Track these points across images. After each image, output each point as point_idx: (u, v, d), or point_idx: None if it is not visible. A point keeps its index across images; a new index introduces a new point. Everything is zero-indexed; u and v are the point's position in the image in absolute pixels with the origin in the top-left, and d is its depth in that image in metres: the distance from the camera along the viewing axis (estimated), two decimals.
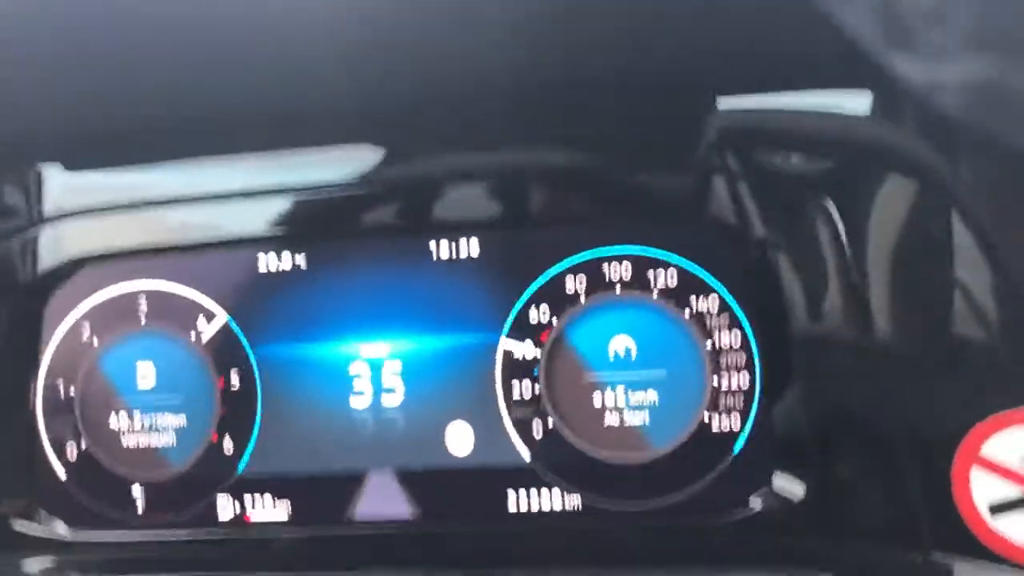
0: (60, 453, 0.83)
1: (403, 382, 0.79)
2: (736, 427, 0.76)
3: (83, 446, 0.83)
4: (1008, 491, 0.68)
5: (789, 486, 0.74)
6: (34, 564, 0.83)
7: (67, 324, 0.83)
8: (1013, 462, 0.68)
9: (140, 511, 0.82)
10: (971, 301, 0.68)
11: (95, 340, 0.82)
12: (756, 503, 0.75)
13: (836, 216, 0.72)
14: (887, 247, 0.71)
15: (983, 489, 0.69)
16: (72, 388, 0.83)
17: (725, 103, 0.73)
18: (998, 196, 0.67)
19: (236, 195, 0.79)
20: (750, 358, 0.76)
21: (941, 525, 0.70)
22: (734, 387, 0.76)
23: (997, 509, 0.69)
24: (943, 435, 0.70)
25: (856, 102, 0.70)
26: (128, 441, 0.82)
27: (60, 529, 0.83)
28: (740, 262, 0.75)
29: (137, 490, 0.82)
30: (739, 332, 0.76)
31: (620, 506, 0.77)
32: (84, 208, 0.81)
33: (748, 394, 0.76)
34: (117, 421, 0.82)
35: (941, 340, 0.70)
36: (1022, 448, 0.68)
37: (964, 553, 0.70)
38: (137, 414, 0.82)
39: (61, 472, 0.83)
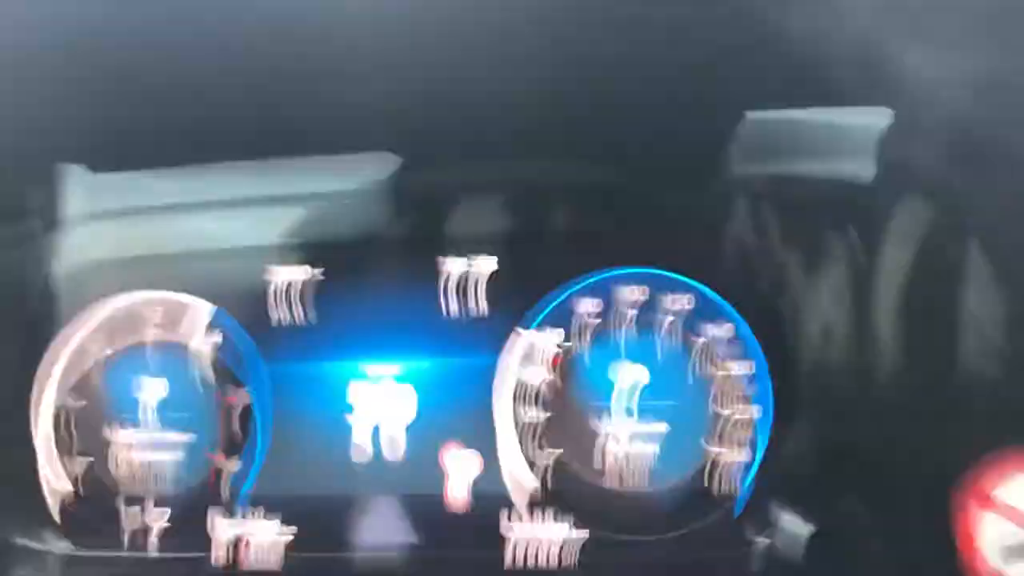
0: (64, 467, 0.83)
1: (409, 407, 0.78)
2: (743, 460, 0.75)
3: (88, 460, 0.82)
4: (1019, 537, 0.67)
5: (794, 524, 0.73)
6: None
7: (76, 333, 0.83)
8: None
9: (140, 529, 0.81)
10: (984, 335, 0.68)
11: (103, 351, 0.82)
12: (762, 541, 0.74)
13: (855, 241, 0.72)
14: (901, 273, 0.71)
15: (991, 533, 0.68)
16: (79, 401, 0.83)
17: (746, 121, 0.73)
18: (1015, 220, 0.66)
19: (249, 203, 0.79)
20: (759, 390, 0.75)
21: (944, 567, 0.69)
22: (743, 419, 0.75)
23: (1008, 555, 0.67)
24: (949, 474, 0.69)
25: (876, 119, 0.69)
26: (133, 457, 0.82)
27: (63, 545, 0.82)
28: (756, 288, 0.74)
29: (138, 507, 0.82)
30: (749, 363, 0.75)
31: (623, 539, 0.76)
32: (95, 214, 0.81)
33: (755, 426, 0.75)
34: (123, 436, 0.82)
35: (954, 375, 0.69)
36: None
37: None
38: (143, 430, 0.82)
39: (63, 487, 0.83)
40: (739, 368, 0.75)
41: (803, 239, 0.74)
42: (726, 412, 0.75)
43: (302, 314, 0.80)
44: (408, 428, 0.79)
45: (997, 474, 0.67)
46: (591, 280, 0.77)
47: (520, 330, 0.77)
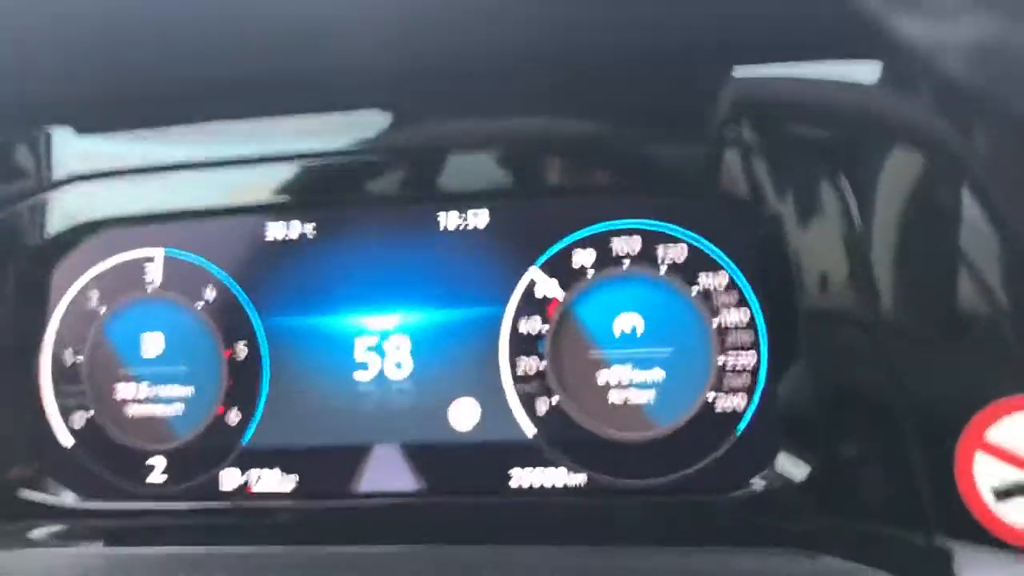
0: (66, 421, 0.84)
1: (409, 355, 0.79)
2: (741, 406, 0.76)
3: (89, 414, 0.83)
4: (1012, 476, 0.68)
5: (792, 467, 0.74)
6: (41, 532, 0.83)
7: (74, 290, 0.83)
8: (1019, 447, 0.68)
9: (145, 481, 0.83)
10: (980, 279, 0.68)
11: (102, 307, 0.83)
12: (759, 483, 0.75)
13: (848, 190, 0.72)
14: (897, 222, 0.71)
15: (986, 473, 0.69)
16: (79, 356, 0.83)
17: (738, 73, 0.73)
18: (1009, 167, 0.67)
19: (245, 161, 0.79)
20: (757, 337, 0.76)
21: (943, 508, 0.70)
22: (740, 366, 0.76)
23: (1001, 494, 0.69)
24: (948, 417, 0.70)
25: (868, 71, 0.70)
26: (134, 411, 0.83)
27: (66, 498, 0.83)
28: (751, 238, 0.75)
29: (142, 460, 0.82)
30: (747, 310, 0.75)
31: (622, 483, 0.77)
32: (92, 173, 0.81)
33: (754, 373, 0.76)
34: (123, 390, 0.83)
35: (949, 319, 0.70)
36: None
37: (966, 537, 0.69)
38: (144, 384, 0.82)
39: (67, 440, 0.84)
40: (735, 315, 0.75)
41: (797, 188, 0.74)
42: (723, 359, 0.75)
43: (301, 269, 0.80)
44: (408, 380, 0.79)
45: (991, 415, 0.68)
46: (588, 231, 0.77)
47: (517, 281, 0.78)
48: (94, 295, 0.83)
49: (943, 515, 0.70)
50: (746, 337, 0.76)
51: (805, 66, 0.72)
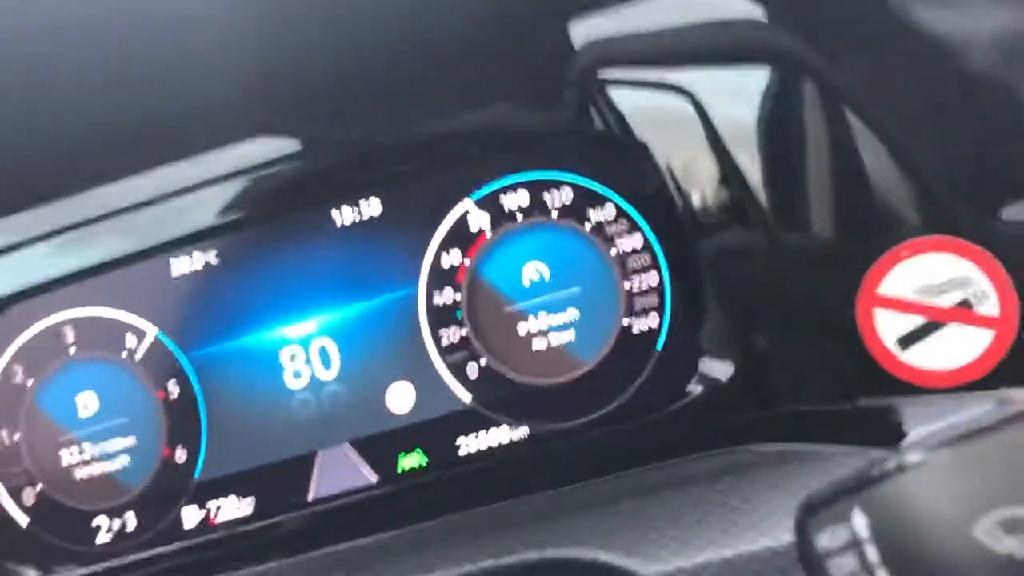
0: (18, 500, 0.84)
1: (336, 355, 0.81)
2: (655, 325, 0.80)
3: (39, 488, 0.83)
4: (908, 322, 0.73)
5: (716, 369, 0.78)
6: None
7: None
8: (907, 294, 0.72)
9: (108, 539, 0.83)
10: (841, 168, 0.74)
11: (28, 380, 0.83)
12: (692, 390, 0.78)
13: (710, 112, 0.77)
14: (760, 137, 0.76)
15: (888, 327, 0.73)
16: (16, 433, 0.83)
17: (583, 24, 0.77)
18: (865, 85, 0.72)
19: (136, 207, 0.81)
20: (655, 258, 0.80)
21: (859, 372, 0.75)
22: (646, 288, 0.80)
23: (904, 342, 0.73)
24: (842, 290, 0.75)
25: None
26: (82, 473, 0.83)
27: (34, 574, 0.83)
28: (627, 169, 0.79)
29: (101, 519, 0.83)
30: (639, 235, 0.79)
31: (565, 425, 0.80)
32: None
33: (660, 292, 0.80)
34: (68, 455, 0.83)
35: (821, 207, 0.75)
36: (911, 280, 0.72)
37: (884, 392, 0.74)
38: (87, 444, 0.83)
39: (22, 519, 0.84)
40: (630, 241, 0.79)
41: (658, 116, 0.79)
42: (628, 284, 0.79)
43: (213, 297, 0.82)
44: (340, 378, 0.81)
45: (882, 269, 0.73)
46: (477, 195, 0.80)
47: (421, 258, 0.80)
48: (18, 370, 0.83)
49: (860, 379, 0.75)
50: (645, 259, 0.80)
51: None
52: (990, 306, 0.71)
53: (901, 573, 0.34)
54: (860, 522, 0.35)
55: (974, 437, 0.35)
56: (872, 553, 0.35)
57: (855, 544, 0.35)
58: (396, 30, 0.73)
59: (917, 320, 0.73)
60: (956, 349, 0.72)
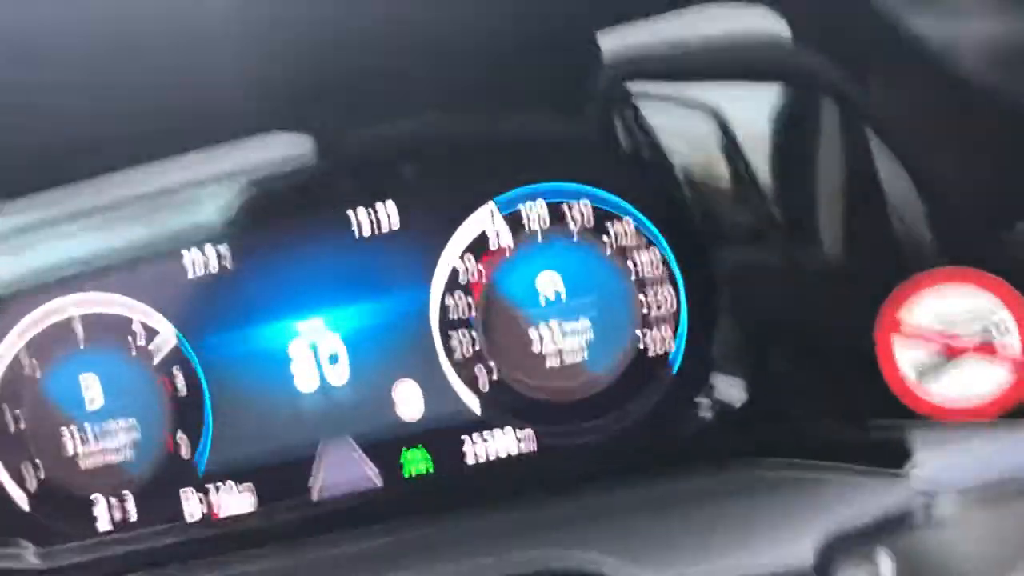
0: (20, 483, 0.83)
1: (345, 356, 0.81)
2: (670, 344, 0.79)
3: (42, 473, 0.83)
4: (929, 353, 0.72)
5: (730, 391, 0.78)
6: None
7: (5, 358, 0.83)
8: (927, 324, 0.72)
9: (109, 526, 0.83)
10: (861, 191, 0.73)
11: (37, 368, 0.83)
12: (703, 411, 0.78)
13: (732, 130, 0.76)
14: (781, 156, 0.75)
15: (906, 356, 0.72)
16: (21, 419, 0.83)
17: (610, 37, 0.76)
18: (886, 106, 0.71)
19: (152, 198, 0.80)
20: (672, 276, 0.79)
21: (874, 400, 0.74)
22: (662, 306, 0.79)
23: (923, 373, 0.72)
24: (860, 315, 0.74)
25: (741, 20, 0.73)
26: (86, 460, 0.83)
27: (31, 557, 0.83)
28: (647, 186, 0.78)
29: (103, 506, 0.83)
30: (656, 251, 0.79)
31: (574, 439, 0.79)
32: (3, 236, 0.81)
33: (676, 311, 0.79)
34: (72, 442, 0.83)
35: (841, 229, 0.75)
36: (932, 310, 0.71)
37: (900, 421, 0.73)
38: (90, 432, 0.83)
39: (24, 502, 0.83)
40: (647, 256, 0.79)
41: (681, 132, 0.78)
42: (643, 300, 0.78)
43: (224, 292, 0.82)
44: (349, 377, 0.80)
45: (901, 297, 0.72)
46: (499, 206, 0.79)
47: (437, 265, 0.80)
48: (26, 358, 0.83)
49: (874, 405, 0.74)
50: (662, 277, 0.79)
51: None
52: (1011, 340, 0.70)
53: None
54: (886, 565, 0.34)
55: (1008, 491, 0.34)
56: None
57: None
58: (423, 36, 0.73)
59: (936, 351, 0.72)
60: (975, 383, 0.71)
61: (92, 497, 0.83)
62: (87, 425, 0.82)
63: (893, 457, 0.68)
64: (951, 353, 0.71)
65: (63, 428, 0.82)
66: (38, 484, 0.83)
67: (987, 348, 0.71)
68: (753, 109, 0.77)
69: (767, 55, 0.75)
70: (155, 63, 0.72)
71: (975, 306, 0.71)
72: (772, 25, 0.73)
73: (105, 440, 0.82)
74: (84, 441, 0.82)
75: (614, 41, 0.76)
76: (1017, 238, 0.72)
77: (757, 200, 0.76)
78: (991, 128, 0.71)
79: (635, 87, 0.77)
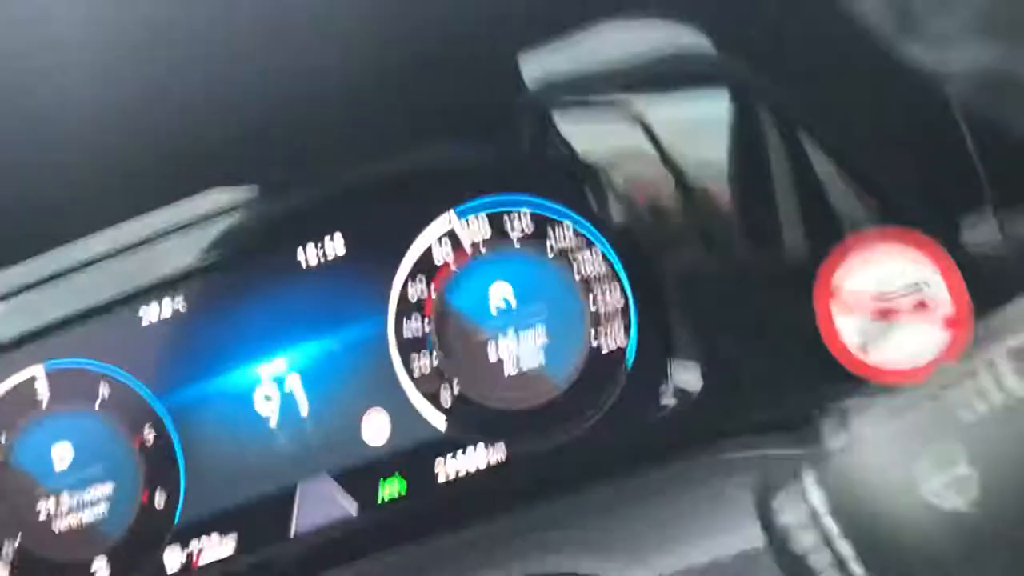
0: None
1: (308, 390, 0.82)
2: (623, 342, 0.81)
3: (17, 543, 0.83)
4: (869, 321, 0.75)
5: (687, 382, 0.80)
6: None
7: None
8: (862, 290, 0.74)
9: None
10: (795, 181, 0.76)
11: (2, 437, 0.83)
12: (664, 404, 0.80)
13: (659, 135, 0.79)
14: (713, 153, 0.79)
15: (848, 327, 0.75)
16: None
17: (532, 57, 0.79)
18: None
19: (103, 259, 0.81)
20: (618, 277, 0.81)
21: (824, 374, 0.76)
22: (611, 307, 0.81)
23: (865, 340, 0.75)
24: (803, 297, 0.77)
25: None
26: (61, 525, 0.83)
27: None
28: (584, 192, 0.81)
29: (84, 569, 0.83)
30: (601, 256, 0.81)
31: (542, 444, 0.81)
32: None
33: (626, 311, 0.81)
34: (45, 508, 0.83)
35: (779, 219, 0.78)
36: (866, 277, 0.74)
37: (852, 392, 0.75)
38: (63, 496, 0.83)
39: (3, 574, 0.83)
40: (589, 256, 0.81)
41: (608, 138, 0.81)
42: (592, 300, 0.81)
43: (183, 342, 0.83)
44: (314, 413, 0.82)
45: (835, 263, 0.75)
46: (440, 226, 0.82)
47: (388, 291, 0.82)
48: None
49: (825, 379, 0.76)
50: (608, 279, 0.81)
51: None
52: (943, 295, 0.73)
53: (860, 541, 0.35)
54: (817, 497, 0.36)
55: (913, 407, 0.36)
56: (831, 525, 0.36)
57: (814, 518, 0.37)
58: (346, 71, 0.75)
59: (875, 318, 0.75)
60: (917, 346, 0.74)
61: (72, 563, 0.83)
62: (60, 489, 0.83)
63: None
64: (888, 315, 0.74)
65: (35, 493, 0.82)
66: (15, 555, 0.83)
67: (921, 306, 0.74)
68: (680, 114, 0.80)
69: (690, 63, 0.78)
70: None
71: (906, 265, 0.74)
72: (693, 36, 0.76)
73: (79, 502, 0.83)
74: (57, 505, 0.83)
75: (537, 60, 0.79)
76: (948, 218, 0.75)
77: (691, 199, 0.79)
78: (915, 121, 0.74)
79: (563, 101, 0.80)
